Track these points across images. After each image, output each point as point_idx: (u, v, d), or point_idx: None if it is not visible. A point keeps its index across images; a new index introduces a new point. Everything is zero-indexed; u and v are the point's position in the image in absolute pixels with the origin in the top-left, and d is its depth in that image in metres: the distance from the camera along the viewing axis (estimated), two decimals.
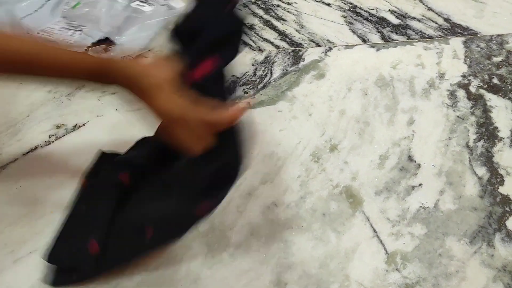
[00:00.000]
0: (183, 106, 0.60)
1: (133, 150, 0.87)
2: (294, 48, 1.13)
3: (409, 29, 1.15)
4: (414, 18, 1.18)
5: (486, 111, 0.98)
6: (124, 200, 0.78)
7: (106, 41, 1.12)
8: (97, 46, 1.11)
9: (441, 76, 1.04)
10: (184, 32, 0.72)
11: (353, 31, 1.16)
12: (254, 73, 1.08)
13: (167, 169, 0.78)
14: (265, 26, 1.18)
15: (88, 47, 1.10)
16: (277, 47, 1.14)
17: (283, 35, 1.16)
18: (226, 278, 0.77)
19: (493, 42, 1.11)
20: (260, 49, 1.13)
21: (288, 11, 1.23)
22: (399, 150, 0.93)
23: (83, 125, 0.98)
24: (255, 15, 1.21)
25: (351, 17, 1.20)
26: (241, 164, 0.68)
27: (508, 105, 0.99)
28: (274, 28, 1.18)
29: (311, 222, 0.84)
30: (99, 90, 1.03)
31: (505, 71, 1.04)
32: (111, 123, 0.98)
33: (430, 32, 1.14)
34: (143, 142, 0.86)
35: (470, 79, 1.03)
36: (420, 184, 0.88)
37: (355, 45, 1.13)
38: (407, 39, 1.13)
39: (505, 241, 0.81)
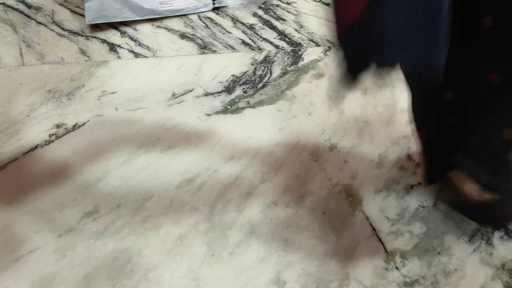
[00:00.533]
0: None
1: None
2: (293, 48, 1.13)
3: None
4: None
5: None
6: None
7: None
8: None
9: None
10: None
11: None
12: (254, 73, 1.08)
13: None
14: (265, 26, 1.19)
15: None
16: (277, 46, 1.14)
17: (282, 34, 1.16)
18: (226, 276, 0.77)
19: None
20: (259, 49, 1.13)
21: (287, 11, 1.23)
22: (398, 149, 0.94)
23: (83, 124, 0.98)
24: (255, 14, 1.22)
25: None
26: None
27: None
28: (273, 27, 1.18)
29: (310, 221, 0.84)
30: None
31: None
32: (111, 123, 0.98)
33: None
34: None
35: None
36: (419, 183, 0.89)
37: None
38: None
39: (504, 240, 0.81)
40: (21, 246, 0.81)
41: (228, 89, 1.06)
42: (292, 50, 1.13)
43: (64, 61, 1.10)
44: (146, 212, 0.85)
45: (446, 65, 0.54)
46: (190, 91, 1.05)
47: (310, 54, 1.11)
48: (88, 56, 1.12)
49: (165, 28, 1.18)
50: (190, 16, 1.22)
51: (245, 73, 1.08)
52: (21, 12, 1.22)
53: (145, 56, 1.12)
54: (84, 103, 1.02)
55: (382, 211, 0.85)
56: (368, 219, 0.84)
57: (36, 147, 0.95)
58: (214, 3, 1.22)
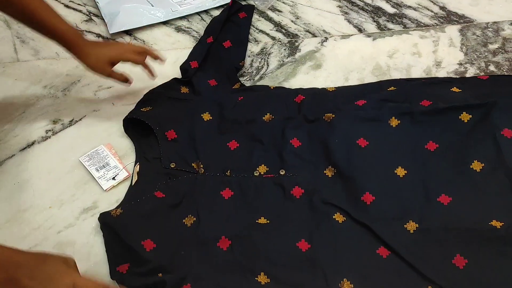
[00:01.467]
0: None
1: None
2: (290, 39, 1.12)
3: (405, 17, 1.15)
4: (409, 6, 1.18)
5: None
6: None
7: None
8: None
9: (438, 64, 1.04)
10: None
11: (349, 21, 1.16)
12: (251, 65, 1.07)
13: None
14: (261, 17, 1.18)
15: None
16: (273, 38, 1.13)
17: (279, 26, 1.16)
18: None
19: (489, 29, 1.10)
20: (256, 41, 1.13)
21: (283, 2, 1.22)
22: None
23: (80, 119, 0.98)
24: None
25: (347, 7, 1.19)
26: None
27: None
28: (269, 19, 1.18)
29: None
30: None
31: (501, 58, 1.04)
32: (107, 118, 0.98)
33: (426, 20, 1.14)
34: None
35: (467, 67, 1.03)
36: None
37: (351, 35, 1.12)
38: (403, 28, 1.13)
39: None
40: (20, 243, 0.81)
41: None
42: (288, 42, 1.12)
43: (59, 56, 1.09)
44: None
45: None
46: None
47: (307, 45, 1.11)
48: None
49: (160, 21, 1.16)
50: None
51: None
52: None
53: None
54: (80, 98, 1.02)
55: None
56: None
57: (33, 143, 0.94)
58: None
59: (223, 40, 1.07)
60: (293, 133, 0.88)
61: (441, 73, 1.02)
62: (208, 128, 0.91)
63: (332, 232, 0.77)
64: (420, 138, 0.84)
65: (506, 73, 1.01)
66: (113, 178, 0.87)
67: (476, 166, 0.79)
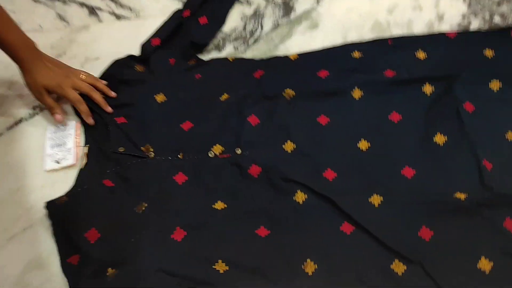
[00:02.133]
0: None
1: None
2: None
3: None
4: None
5: None
6: None
7: None
8: None
9: (440, 18, 0.99)
10: None
11: None
12: (244, 28, 1.02)
13: None
14: None
15: None
16: None
17: None
18: None
19: None
20: (248, 2, 1.07)
21: None
22: None
23: None
24: None
25: None
26: None
27: None
28: None
29: None
30: None
31: (506, 9, 0.99)
32: None
33: None
34: None
35: (471, 19, 0.98)
36: None
37: None
38: None
39: None
40: (14, 225, 0.79)
41: (218, 47, 1.00)
42: (283, 2, 1.06)
43: (42, 28, 1.04)
44: None
45: None
46: None
47: (302, 4, 1.05)
48: (67, 22, 1.06)
49: None
50: None
51: (234, 29, 1.03)
52: None
53: (127, 18, 1.06)
54: None
55: None
56: None
57: (20, 120, 0.91)
58: None
59: (200, 15, 0.99)
60: (250, 111, 0.85)
61: (444, 27, 0.98)
62: (161, 110, 0.86)
63: (292, 213, 0.75)
64: (383, 109, 0.83)
65: None
66: (57, 162, 0.83)
67: (439, 139, 0.79)
